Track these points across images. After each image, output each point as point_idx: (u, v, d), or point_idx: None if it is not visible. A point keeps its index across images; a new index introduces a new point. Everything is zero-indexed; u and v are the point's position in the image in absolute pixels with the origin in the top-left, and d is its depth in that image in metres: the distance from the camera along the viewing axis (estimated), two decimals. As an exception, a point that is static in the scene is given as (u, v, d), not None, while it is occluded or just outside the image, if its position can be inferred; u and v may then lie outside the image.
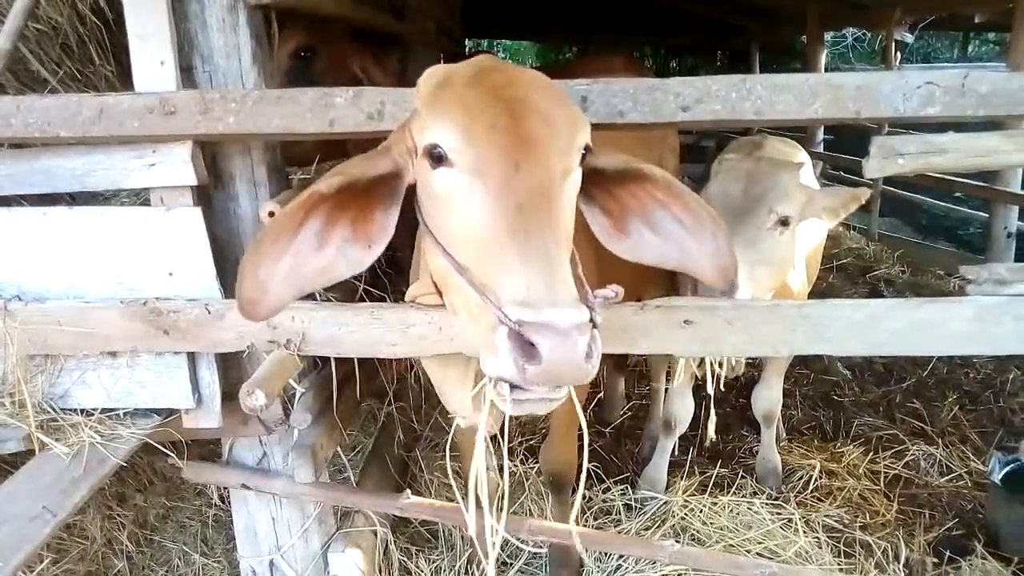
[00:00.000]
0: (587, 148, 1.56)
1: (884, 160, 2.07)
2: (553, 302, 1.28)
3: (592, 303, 1.37)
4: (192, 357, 2.22)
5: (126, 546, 3.11)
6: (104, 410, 2.22)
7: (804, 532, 3.16)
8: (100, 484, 2.08)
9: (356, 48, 3.51)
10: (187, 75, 2.16)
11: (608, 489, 3.55)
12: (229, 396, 2.28)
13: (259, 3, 2.15)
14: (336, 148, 2.59)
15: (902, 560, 3.02)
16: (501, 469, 3.62)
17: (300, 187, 2.41)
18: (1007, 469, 3.21)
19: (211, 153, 2.23)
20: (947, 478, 3.73)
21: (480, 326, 1.39)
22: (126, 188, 2.15)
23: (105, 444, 2.13)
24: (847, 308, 2.13)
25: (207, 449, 2.89)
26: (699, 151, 10.26)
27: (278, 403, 2.33)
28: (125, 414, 2.24)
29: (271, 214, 2.10)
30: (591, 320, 1.31)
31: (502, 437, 1.83)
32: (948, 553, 3.09)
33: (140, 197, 2.42)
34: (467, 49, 11.29)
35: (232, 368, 2.33)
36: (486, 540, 1.81)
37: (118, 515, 3.17)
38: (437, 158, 1.49)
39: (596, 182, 1.73)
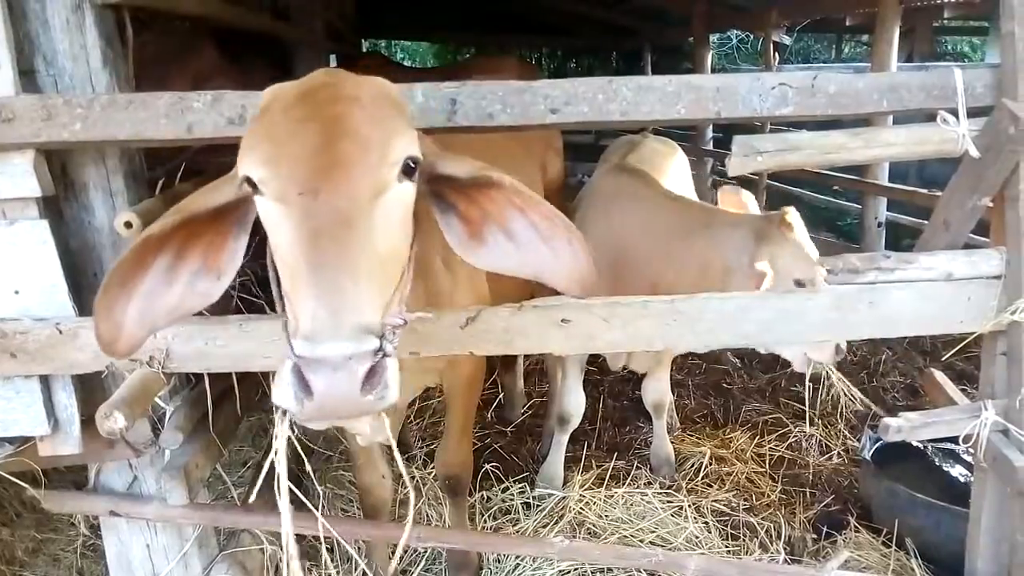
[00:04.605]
0: (414, 160, 1.52)
1: (745, 158, 2.15)
2: (333, 334, 1.26)
3: (387, 329, 1.34)
4: (46, 380, 2.07)
5: (-9, 585, 2.89)
6: (-52, 442, 2.06)
7: (694, 518, 3.28)
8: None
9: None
10: (29, 79, 2.02)
11: (507, 488, 3.57)
12: (92, 419, 2.15)
13: (106, 2, 2.03)
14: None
15: (784, 538, 3.17)
16: (400, 478, 3.60)
17: (163, 197, 2.30)
18: (876, 446, 3.42)
19: (61, 161, 2.10)
20: (826, 457, 3.94)
21: None
22: (-39, 201, 1.98)
23: (-52, 479, 1.97)
24: (716, 301, 2.20)
25: (82, 476, 2.72)
26: (598, 150, 10.45)
27: (146, 423, 2.21)
28: (-28, 445, 2.08)
29: (128, 224, 2.00)
30: (381, 349, 1.28)
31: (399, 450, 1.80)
32: (826, 529, 3.27)
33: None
34: (364, 49, 11.14)
35: (96, 389, 2.20)
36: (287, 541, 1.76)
37: (-20, 552, 2.95)
38: (253, 185, 1.48)
39: (455, 188, 1.70)
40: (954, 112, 2.10)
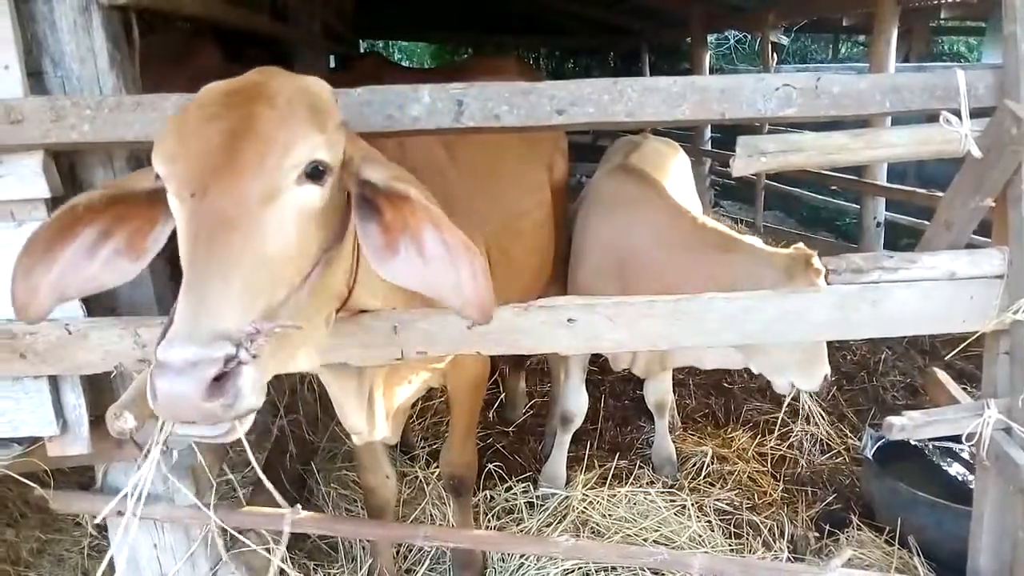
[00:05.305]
0: (322, 165, 1.50)
1: (748, 158, 2.16)
2: (184, 339, 1.27)
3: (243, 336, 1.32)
4: (54, 381, 2.08)
5: (-5, 586, 2.89)
6: (-43, 443, 2.06)
7: (697, 517, 3.29)
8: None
9: None
10: (37, 80, 2.03)
11: (510, 488, 3.58)
12: (100, 419, 2.15)
13: (113, 3, 2.03)
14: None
15: (787, 537, 3.19)
16: (404, 478, 3.62)
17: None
18: (878, 444, 3.44)
19: (69, 163, 2.11)
20: (827, 456, 3.95)
21: None
22: (-30, 203, 1.99)
23: (-43, 479, 1.97)
24: (720, 301, 2.21)
25: (87, 476, 2.73)
26: (596, 151, 10.48)
27: (155, 423, 2.22)
28: (-19, 445, 2.08)
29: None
30: (235, 356, 1.28)
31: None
32: (828, 527, 3.28)
33: None
34: (362, 50, 11.15)
35: (104, 389, 2.20)
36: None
37: (-15, 553, 2.95)
38: (163, 180, 1.50)
39: (381, 194, 1.65)
40: (956, 113, 2.11)
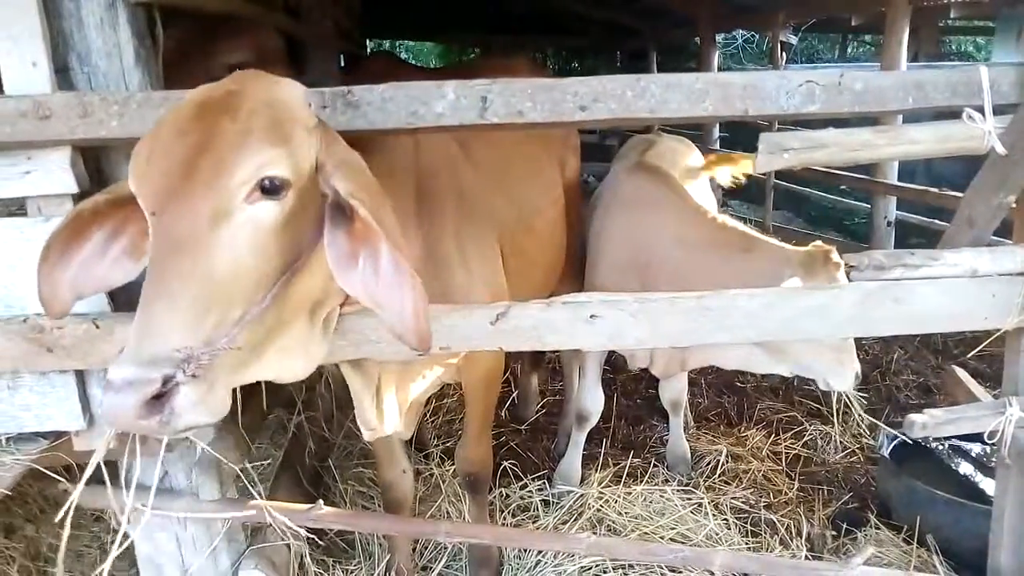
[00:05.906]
0: (277, 180, 1.50)
1: (771, 155, 2.16)
2: (126, 359, 1.36)
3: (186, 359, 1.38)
4: (80, 375, 2.09)
5: (16, 581, 2.90)
6: (-16, 436, 2.07)
7: (714, 515, 3.29)
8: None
9: (291, 71, 3.40)
10: (63, 76, 2.04)
11: (525, 486, 3.58)
12: (124, 414, 2.16)
13: (139, 0, 2.05)
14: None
15: (804, 535, 3.18)
16: (421, 474, 3.62)
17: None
18: (894, 443, 3.44)
19: (95, 158, 2.12)
20: (842, 455, 3.94)
21: None
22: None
23: (-15, 473, 1.98)
24: (743, 298, 2.21)
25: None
26: (603, 150, 10.50)
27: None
28: (8, 440, 2.09)
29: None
30: (172, 377, 1.35)
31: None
32: (845, 525, 3.27)
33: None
34: (369, 50, 11.17)
35: (127, 385, 2.21)
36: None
37: (6, 548, 2.95)
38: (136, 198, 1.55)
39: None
40: (979, 109, 2.11)
